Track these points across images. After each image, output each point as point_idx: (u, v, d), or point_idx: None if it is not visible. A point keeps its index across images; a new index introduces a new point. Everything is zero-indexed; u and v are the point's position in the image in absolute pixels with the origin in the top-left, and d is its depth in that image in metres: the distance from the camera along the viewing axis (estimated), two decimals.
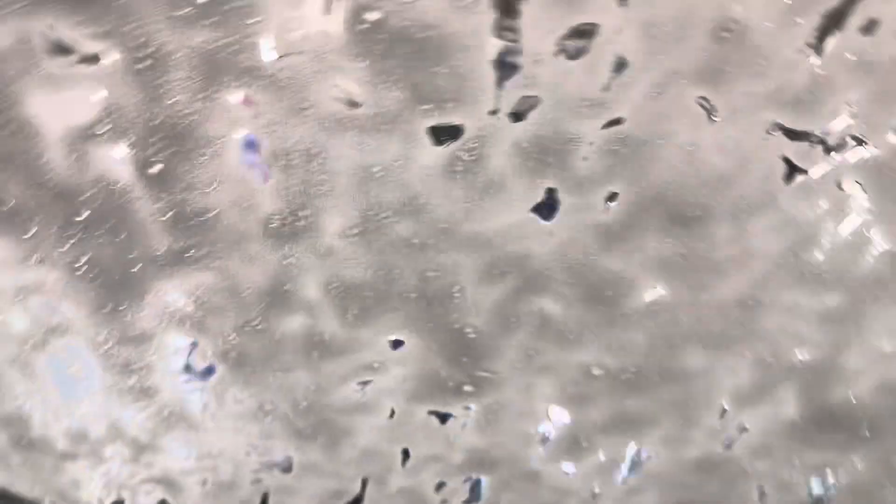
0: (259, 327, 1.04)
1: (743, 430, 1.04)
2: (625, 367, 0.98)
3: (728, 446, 1.06)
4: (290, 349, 1.06)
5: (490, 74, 0.77)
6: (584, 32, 0.74)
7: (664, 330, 0.94)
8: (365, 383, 1.09)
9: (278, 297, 1.00)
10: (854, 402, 0.93)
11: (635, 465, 1.09)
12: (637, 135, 0.80)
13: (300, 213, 0.91)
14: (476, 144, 0.81)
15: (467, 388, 1.04)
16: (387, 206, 0.89)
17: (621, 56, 0.75)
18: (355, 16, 0.71)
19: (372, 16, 0.71)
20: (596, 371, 0.99)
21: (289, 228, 0.93)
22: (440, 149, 0.82)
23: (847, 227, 0.82)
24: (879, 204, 0.80)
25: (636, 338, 0.95)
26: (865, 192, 0.80)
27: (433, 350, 1.02)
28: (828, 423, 0.96)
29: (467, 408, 1.06)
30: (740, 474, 1.05)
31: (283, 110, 0.81)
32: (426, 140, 0.82)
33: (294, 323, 1.03)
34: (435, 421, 1.09)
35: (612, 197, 0.85)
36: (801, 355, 0.92)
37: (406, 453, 1.14)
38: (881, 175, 0.79)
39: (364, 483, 1.19)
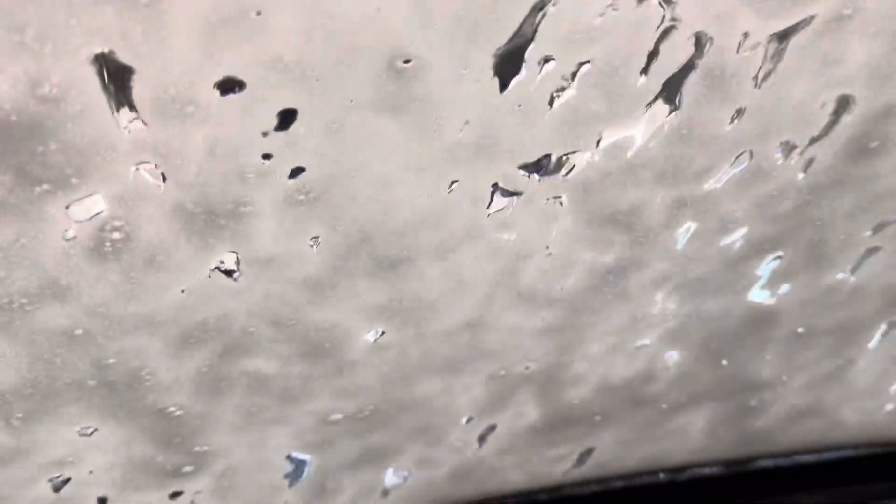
0: None
1: (491, 429, 1.07)
2: (361, 407, 0.94)
3: (480, 447, 1.09)
4: None
5: (119, 140, 0.62)
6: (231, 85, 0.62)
7: (394, 366, 0.90)
8: (63, 482, 0.94)
9: None
10: (583, 399, 1.00)
11: (391, 488, 1.09)
12: (324, 177, 0.71)
13: None
14: (121, 221, 0.67)
15: (188, 468, 0.93)
16: (20, 293, 0.73)
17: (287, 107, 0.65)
18: None
19: None
20: (332, 417, 0.94)
21: None
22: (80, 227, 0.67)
23: (554, 246, 0.82)
24: (581, 222, 0.81)
25: (367, 379, 0.90)
26: (569, 211, 0.80)
27: (135, 435, 0.90)
28: (565, 420, 1.02)
29: (196, 486, 0.96)
30: (491, 472, 1.09)
31: None
32: (59, 222, 0.67)
33: None
34: (162, 498, 0.98)
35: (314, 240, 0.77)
36: (530, 366, 0.94)
37: None
38: (584, 192, 0.79)
39: None
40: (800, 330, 1.01)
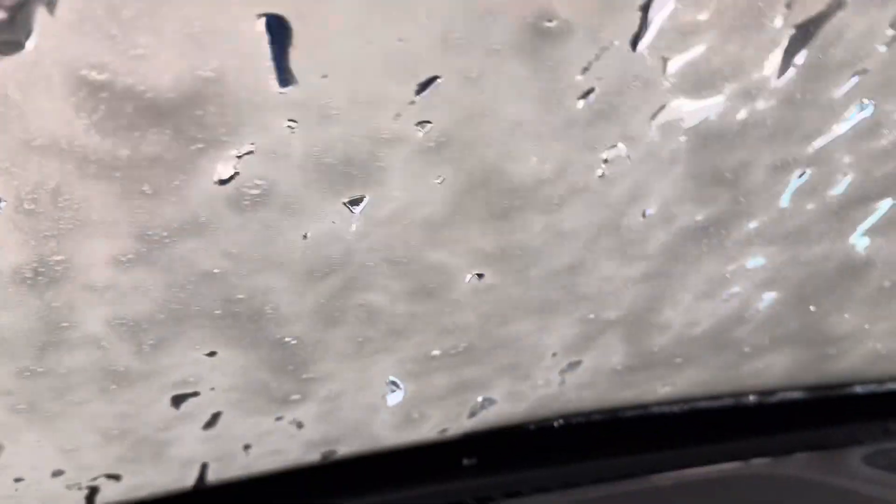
0: (39, 370, 0.96)
1: (574, 364, 1.16)
2: (456, 344, 1.03)
3: (562, 383, 1.19)
4: (81, 384, 0.99)
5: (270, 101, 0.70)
6: None
7: (493, 307, 0.99)
8: (182, 397, 1.06)
9: (53, 337, 0.92)
10: (668, 344, 1.08)
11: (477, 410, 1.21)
12: (456, 121, 0.78)
13: (53, 259, 0.82)
14: (262, 177, 0.76)
15: (295, 396, 1.05)
16: (164, 227, 0.82)
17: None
18: None
19: None
20: (433, 352, 1.04)
21: (45, 278, 0.83)
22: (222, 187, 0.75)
23: (657, 201, 0.89)
24: (688, 176, 0.87)
25: (467, 318, 0.99)
26: (677, 164, 0.86)
27: (253, 362, 1.01)
28: (647, 363, 1.10)
29: (303, 410, 1.09)
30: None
31: (9, 148, 0.70)
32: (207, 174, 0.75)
33: (79, 360, 0.96)
34: (268, 421, 1.11)
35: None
36: (619, 312, 1.03)
37: (247, 447, 1.16)
38: (697, 146, 0.85)
39: (202, 468, 1.20)
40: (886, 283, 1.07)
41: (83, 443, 1.05)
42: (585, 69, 0.73)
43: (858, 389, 1.47)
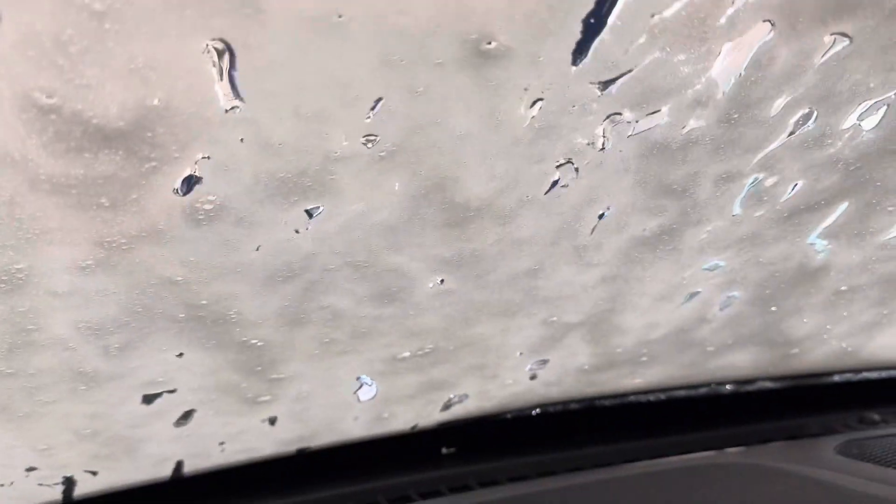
0: (9, 371, 0.99)
1: (543, 363, 1.20)
2: (423, 346, 1.07)
3: (532, 378, 1.23)
4: (50, 385, 1.03)
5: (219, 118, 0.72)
6: None
7: (456, 310, 1.02)
8: (153, 396, 1.10)
9: (20, 339, 0.95)
10: (633, 343, 1.12)
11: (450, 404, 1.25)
12: (406, 129, 0.81)
13: (14, 268, 0.85)
14: (214, 192, 0.78)
15: (265, 397, 1.09)
16: (123, 235, 0.85)
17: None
18: None
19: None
20: (402, 354, 1.08)
21: (7, 286, 0.87)
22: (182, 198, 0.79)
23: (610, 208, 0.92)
24: (638, 186, 0.90)
25: (431, 321, 1.03)
26: (627, 174, 0.89)
27: (220, 363, 1.05)
28: (612, 362, 1.14)
29: (274, 410, 1.13)
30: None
31: None
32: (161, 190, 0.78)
33: (47, 361, 0.99)
34: (241, 419, 1.15)
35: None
36: (580, 315, 1.06)
37: (221, 444, 1.20)
38: (644, 157, 0.88)
39: (177, 465, 1.25)
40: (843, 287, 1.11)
41: (56, 441, 1.09)
42: (526, 89, 0.76)
43: (832, 379, 1.51)
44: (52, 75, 0.64)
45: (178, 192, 0.78)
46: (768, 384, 1.48)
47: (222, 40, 0.65)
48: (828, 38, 0.79)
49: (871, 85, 0.85)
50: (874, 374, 1.57)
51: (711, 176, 0.90)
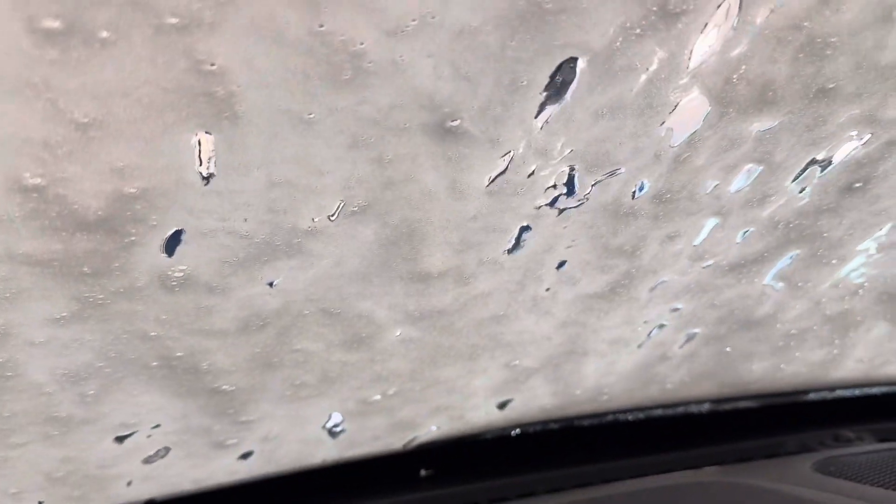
0: None
1: (504, 404, 1.32)
2: (388, 388, 1.18)
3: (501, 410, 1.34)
4: (22, 428, 1.12)
5: (195, 194, 0.82)
6: None
7: (422, 354, 1.13)
8: (123, 437, 1.19)
9: None
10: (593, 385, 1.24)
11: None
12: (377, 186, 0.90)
13: None
14: (185, 266, 0.88)
15: (232, 440, 1.19)
16: (101, 291, 0.94)
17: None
18: None
19: None
20: (371, 398, 1.18)
21: None
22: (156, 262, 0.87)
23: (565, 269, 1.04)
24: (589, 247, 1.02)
25: (398, 366, 1.13)
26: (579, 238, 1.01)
27: (191, 408, 1.14)
28: (574, 401, 1.26)
29: (244, 448, 1.23)
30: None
31: None
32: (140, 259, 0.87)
33: (20, 405, 1.08)
34: (212, 460, 1.24)
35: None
36: (539, 359, 1.18)
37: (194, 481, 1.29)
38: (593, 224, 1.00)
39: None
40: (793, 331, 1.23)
41: (26, 486, 1.18)
42: (488, 159, 0.86)
43: (809, 397, 1.63)
44: (36, 164, 0.72)
45: (161, 253, 0.87)
46: (745, 403, 1.59)
47: (204, 131, 0.74)
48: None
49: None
50: (847, 393, 1.69)
51: (658, 237, 1.02)
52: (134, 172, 0.73)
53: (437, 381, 1.16)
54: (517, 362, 1.17)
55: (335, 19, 0.65)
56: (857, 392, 1.70)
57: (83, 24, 0.61)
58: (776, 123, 0.91)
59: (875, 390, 1.71)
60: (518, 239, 0.96)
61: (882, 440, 1.55)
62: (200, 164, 0.75)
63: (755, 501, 1.17)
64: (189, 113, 0.68)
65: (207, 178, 0.79)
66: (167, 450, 1.21)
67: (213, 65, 0.65)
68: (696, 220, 1.01)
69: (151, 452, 1.21)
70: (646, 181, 0.94)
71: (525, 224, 0.95)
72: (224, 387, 1.11)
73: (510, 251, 0.97)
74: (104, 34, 0.62)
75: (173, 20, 0.62)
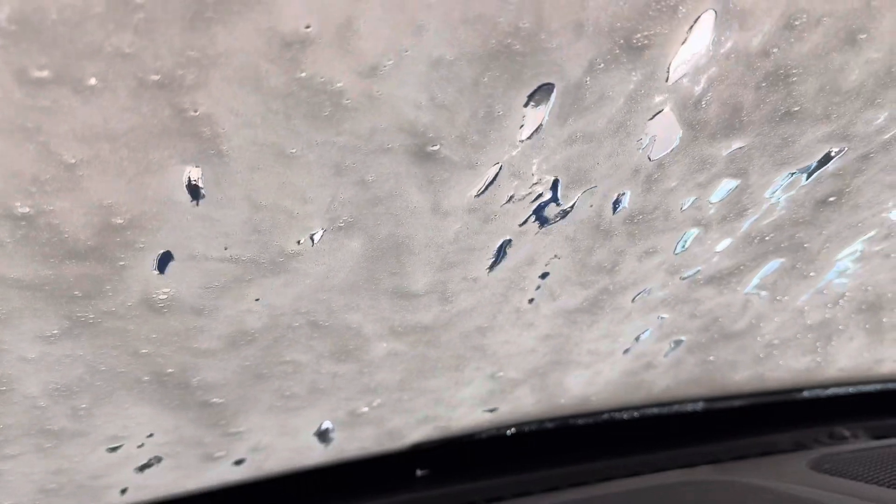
0: None
1: (493, 410, 1.37)
2: (374, 399, 1.23)
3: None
4: (14, 439, 1.18)
5: (182, 215, 0.88)
6: None
7: (409, 367, 1.19)
8: (116, 448, 1.25)
9: None
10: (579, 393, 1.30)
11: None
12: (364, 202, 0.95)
13: None
14: (170, 287, 0.93)
15: (220, 452, 1.24)
16: (92, 311, 0.99)
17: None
18: None
19: None
20: (360, 409, 1.24)
21: None
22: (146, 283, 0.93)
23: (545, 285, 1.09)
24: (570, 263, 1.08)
25: (386, 378, 1.19)
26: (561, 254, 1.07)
27: (182, 420, 1.20)
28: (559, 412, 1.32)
29: (235, 457, 1.28)
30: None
31: None
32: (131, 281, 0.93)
33: (13, 418, 1.14)
34: (204, 469, 1.30)
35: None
36: (524, 370, 1.23)
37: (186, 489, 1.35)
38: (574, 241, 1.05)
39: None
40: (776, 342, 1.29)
41: (20, 497, 1.24)
42: (471, 183, 0.91)
43: (803, 395, 1.68)
44: (24, 195, 0.78)
45: (152, 272, 0.92)
46: (739, 401, 1.64)
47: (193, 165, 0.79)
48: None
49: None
50: (841, 390, 1.74)
51: (636, 253, 1.07)
52: (122, 207, 0.78)
53: (425, 391, 1.22)
54: (502, 373, 1.23)
55: (315, 66, 0.71)
56: (851, 389, 1.74)
57: (71, 74, 0.66)
58: (746, 144, 0.96)
59: (869, 388, 1.75)
60: (499, 254, 1.02)
61: (877, 437, 1.58)
62: (187, 194, 0.81)
63: (750, 499, 1.19)
64: (175, 151, 0.73)
65: (196, 202, 0.84)
66: (159, 459, 1.27)
67: (195, 111, 0.71)
68: (674, 234, 1.07)
69: (143, 462, 1.27)
70: (624, 197, 1.00)
71: (508, 238, 1.00)
72: (214, 399, 1.16)
73: (491, 268, 1.03)
74: (92, 81, 0.67)
75: (155, 77, 0.67)
